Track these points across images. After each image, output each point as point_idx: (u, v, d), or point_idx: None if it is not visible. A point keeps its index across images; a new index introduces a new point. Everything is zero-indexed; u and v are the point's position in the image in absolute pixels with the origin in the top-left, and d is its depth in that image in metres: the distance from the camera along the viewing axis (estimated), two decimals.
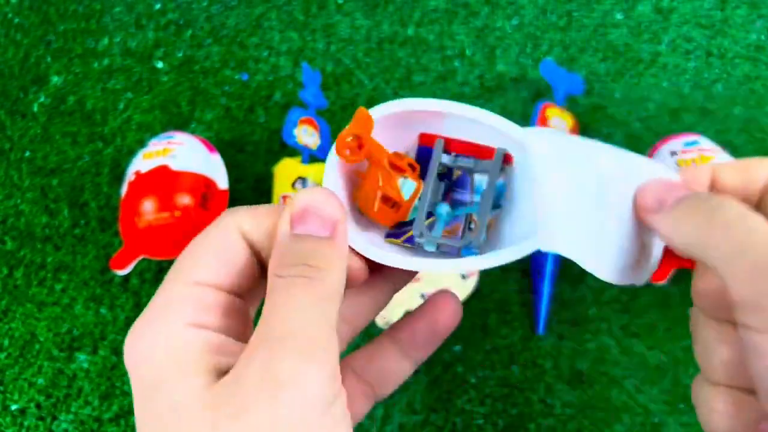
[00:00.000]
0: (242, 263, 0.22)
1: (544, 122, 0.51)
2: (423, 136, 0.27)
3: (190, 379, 0.19)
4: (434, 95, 0.58)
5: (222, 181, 0.51)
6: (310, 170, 0.51)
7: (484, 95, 0.58)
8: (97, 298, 0.51)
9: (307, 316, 0.19)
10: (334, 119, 0.57)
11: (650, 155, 0.49)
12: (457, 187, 0.28)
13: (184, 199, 0.48)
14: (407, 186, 0.26)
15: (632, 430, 0.43)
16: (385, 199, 0.26)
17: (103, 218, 0.54)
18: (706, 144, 0.48)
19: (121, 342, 0.49)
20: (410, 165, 0.26)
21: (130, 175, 0.49)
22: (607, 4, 0.62)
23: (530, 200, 0.26)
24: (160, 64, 0.62)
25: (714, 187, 0.24)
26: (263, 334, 0.19)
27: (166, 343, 0.20)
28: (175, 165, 0.49)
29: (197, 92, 0.60)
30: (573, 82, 0.54)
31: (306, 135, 0.52)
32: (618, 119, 0.56)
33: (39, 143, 0.58)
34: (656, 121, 0.55)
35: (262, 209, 0.23)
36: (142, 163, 0.49)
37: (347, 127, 0.26)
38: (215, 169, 0.51)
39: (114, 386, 0.47)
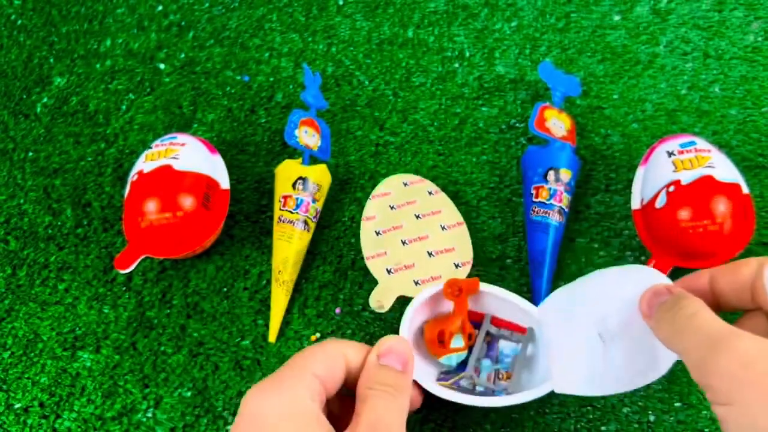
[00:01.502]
0: (339, 377, 0.34)
1: (542, 123, 0.51)
2: (471, 313, 0.44)
3: None
4: (433, 96, 0.58)
5: (224, 182, 0.51)
6: (310, 171, 0.51)
7: (483, 96, 0.58)
8: (99, 297, 0.51)
9: (390, 414, 0.32)
10: (334, 120, 0.58)
11: (647, 156, 0.50)
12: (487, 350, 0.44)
13: (187, 199, 0.48)
14: (457, 340, 0.42)
15: (628, 428, 0.44)
16: (440, 334, 0.41)
17: (105, 218, 0.55)
18: (702, 145, 0.48)
19: (124, 341, 0.49)
20: (469, 334, 0.43)
21: (132, 176, 0.50)
22: (605, 5, 0.62)
23: (544, 357, 0.40)
24: (162, 66, 0.62)
25: (712, 290, 0.32)
26: (363, 423, 0.31)
27: (291, 404, 0.30)
28: (177, 166, 0.49)
29: (199, 93, 0.60)
30: (571, 84, 0.54)
31: (307, 136, 0.52)
32: (615, 120, 0.56)
33: (42, 144, 0.59)
34: (653, 122, 0.56)
35: (358, 346, 0.36)
36: (144, 163, 0.50)
37: (460, 279, 0.43)
38: (217, 170, 0.51)
39: (117, 385, 0.48)
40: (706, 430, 0.43)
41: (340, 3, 0.65)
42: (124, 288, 0.51)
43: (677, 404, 0.44)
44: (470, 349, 0.43)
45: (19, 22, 0.66)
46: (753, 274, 0.30)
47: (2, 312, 0.51)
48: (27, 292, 0.52)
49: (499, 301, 0.43)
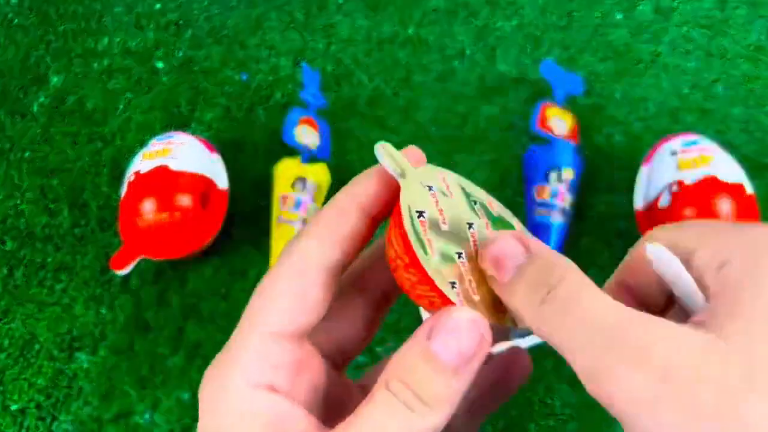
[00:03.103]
0: (320, 299, 0.21)
1: (543, 122, 0.51)
2: None
3: None
4: (434, 95, 0.58)
5: (222, 181, 0.51)
6: (309, 170, 0.51)
7: (484, 95, 0.58)
8: (97, 298, 0.51)
9: None
10: (334, 119, 0.57)
11: (650, 155, 0.49)
12: None
13: (184, 200, 0.47)
14: None
15: None
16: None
17: (103, 218, 0.54)
18: (705, 144, 0.48)
19: (122, 342, 0.49)
20: None
21: (129, 176, 0.49)
22: (608, 4, 0.62)
23: None
24: (160, 65, 0.62)
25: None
26: None
27: (231, 404, 0.19)
28: (175, 165, 0.48)
29: (197, 92, 0.60)
30: (573, 82, 0.54)
31: (306, 135, 0.52)
32: (618, 119, 0.56)
33: (39, 143, 0.58)
34: (656, 121, 0.55)
35: (328, 225, 0.21)
36: (142, 163, 0.49)
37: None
38: (215, 169, 0.51)
39: (114, 386, 0.47)
40: None
41: (340, 1, 0.64)
42: (121, 289, 0.51)
43: None
44: None
45: (16, 20, 0.66)
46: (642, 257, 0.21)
47: None
48: (24, 292, 0.52)
49: None
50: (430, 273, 0.19)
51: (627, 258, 0.22)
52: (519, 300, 0.19)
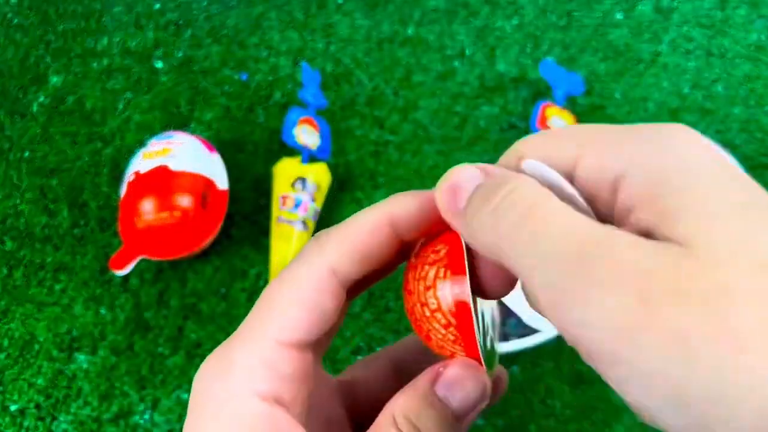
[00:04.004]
0: (331, 310, 0.20)
1: (543, 122, 0.51)
2: None
3: None
4: (434, 95, 0.58)
5: (221, 181, 0.51)
6: (309, 170, 0.51)
7: (484, 95, 0.58)
8: (96, 298, 0.51)
9: None
10: (333, 119, 0.57)
11: None
12: None
13: (184, 200, 0.47)
14: None
15: (632, 430, 0.43)
16: None
17: (102, 218, 0.54)
18: None
19: (121, 342, 0.49)
20: None
21: (129, 176, 0.49)
22: (608, 4, 0.62)
23: None
24: (159, 64, 0.62)
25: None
26: None
27: (233, 410, 0.18)
28: (175, 165, 0.48)
29: (197, 92, 0.60)
30: (573, 82, 0.54)
31: (306, 135, 0.52)
32: (618, 119, 0.56)
33: (38, 143, 0.58)
34: (656, 121, 0.55)
35: (353, 236, 0.20)
36: (141, 163, 0.49)
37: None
38: (215, 169, 0.51)
39: (113, 387, 0.47)
40: None
41: (340, 1, 0.64)
42: (121, 289, 0.51)
43: None
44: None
45: (16, 20, 0.65)
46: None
47: None
48: (23, 293, 0.51)
49: None
50: (478, 343, 0.19)
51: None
52: (470, 216, 0.18)
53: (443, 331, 0.19)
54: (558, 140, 0.18)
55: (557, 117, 0.52)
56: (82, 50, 0.63)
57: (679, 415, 0.13)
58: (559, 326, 0.15)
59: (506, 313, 0.45)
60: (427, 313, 0.19)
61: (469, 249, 0.19)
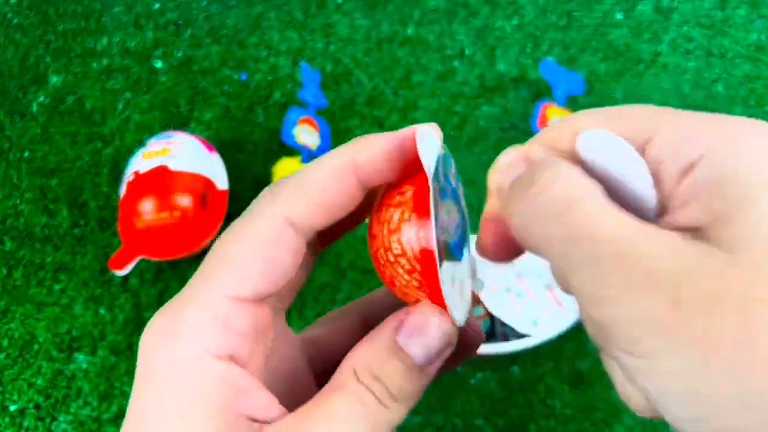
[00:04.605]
0: (288, 263, 0.18)
1: (544, 122, 0.51)
2: None
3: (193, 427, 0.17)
4: (434, 95, 0.58)
5: (221, 181, 0.51)
6: None
7: (484, 95, 0.58)
8: (96, 298, 0.51)
9: None
10: (333, 119, 0.57)
11: None
12: None
13: (183, 200, 0.47)
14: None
15: (633, 430, 0.43)
16: None
17: (102, 218, 0.54)
18: None
19: (121, 342, 0.48)
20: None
21: (129, 176, 0.49)
22: (608, 4, 0.62)
23: None
24: (159, 64, 0.62)
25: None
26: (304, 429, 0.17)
27: (184, 375, 0.17)
28: (174, 165, 0.48)
29: (196, 92, 0.60)
30: (573, 82, 0.54)
31: (305, 134, 0.52)
32: None
33: (38, 143, 0.58)
34: None
35: (311, 184, 0.18)
36: (141, 163, 0.49)
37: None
38: (214, 169, 0.51)
39: (113, 387, 0.47)
40: None
41: (339, 1, 0.64)
42: (120, 289, 0.51)
43: None
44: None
45: (15, 20, 0.65)
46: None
47: None
48: (23, 293, 0.51)
49: None
50: (443, 290, 0.18)
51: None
52: (508, 205, 0.17)
53: (407, 277, 0.19)
54: (628, 117, 0.17)
55: (558, 117, 0.52)
56: (82, 50, 0.63)
57: (689, 414, 0.14)
58: (587, 314, 0.15)
59: (501, 323, 0.45)
60: (391, 258, 0.18)
61: (434, 191, 0.18)
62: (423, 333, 0.18)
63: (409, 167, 0.19)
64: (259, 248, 0.18)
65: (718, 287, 0.13)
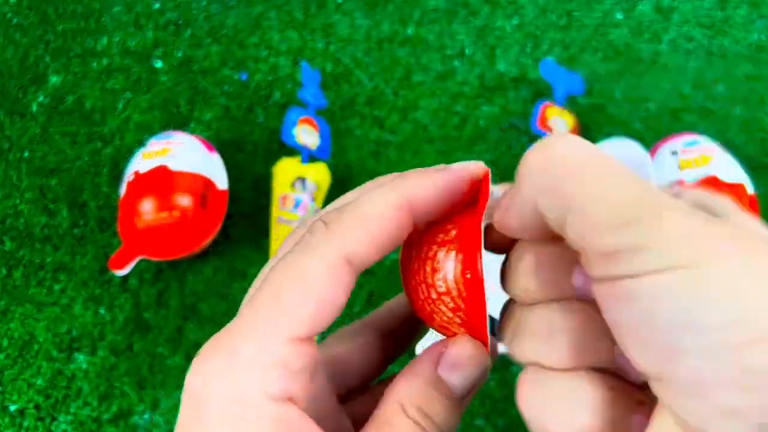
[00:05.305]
0: (342, 301, 0.18)
1: (544, 122, 0.51)
2: None
3: None
4: (434, 95, 0.58)
5: (221, 181, 0.51)
6: (309, 170, 0.51)
7: (484, 95, 0.58)
8: (96, 298, 0.50)
9: None
10: (333, 119, 0.57)
11: (651, 155, 0.49)
12: None
13: (183, 200, 0.47)
14: None
15: None
16: None
17: (102, 218, 0.54)
18: (706, 144, 0.48)
19: (120, 342, 0.48)
20: None
21: (129, 175, 0.49)
22: (608, 3, 0.62)
23: None
24: (159, 64, 0.62)
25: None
26: None
27: (243, 413, 0.17)
28: (174, 165, 0.48)
29: (196, 92, 0.60)
30: (573, 82, 0.54)
31: (305, 134, 0.52)
32: (618, 119, 0.55)
33: (38, 143, 0.58)
34: (657, 121, 0.55)
35: (368, 220, 0.18)
36: (141, 163, 0.49)
37: None
38: (214, 169, 0.51)
39: (113, 387, 0.47)
40: None
41: (339, 0, 0.64)
42: (120, 289, 0.51)
43: None
44: None
45: (15, 20, 0.65)
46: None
47: None
48: (23, 293, 0.51)
49: None
50: (487, 329, 0.19)
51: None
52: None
53: (450, 314, 0.19)
54: (553, 192, 0.17)
55: (557, 117, 0.52)
56: (82, 50, 0.63)
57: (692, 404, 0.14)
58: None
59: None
60: (434, 296, 0.18)
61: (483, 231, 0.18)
62: (463, 367, 0.19)
63: (456, 205, 0.19)
64: (316, 288, 0.17)
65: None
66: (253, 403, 0.17)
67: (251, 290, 0.20)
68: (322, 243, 0.18)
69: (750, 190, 0.46)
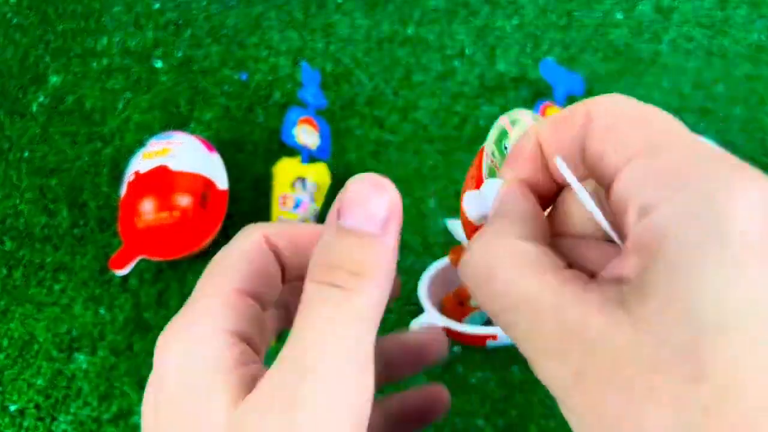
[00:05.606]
0: (269, 272, 0.21)
1: None
2: None
3: (218, 394, 0.17)
4: (434, 95, 0.58)
5: (221, 181, 0.51)
6: (309, 170, 0.51)
7: (484, 95, 0.58)
8: (96, 298, 0.51)
9: (339, 346, 0.17)
10: (333, 119, 0.57)
11: None
12: None
13: (183, 200, 0.47)
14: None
15: None
16: (458, 294, 0.43)
17: (102, 218, 0.54)
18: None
19: (120, 342, 0.48)
20: None
21: (129, 175, 0.49)
22: (608, 3, 0.62)
23: None
24: (159, 64, 0.62)
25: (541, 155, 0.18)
26: (293, 357, 0.17)
27: (204, 350, 0.18)
28: (174, 165, 0.48)
29: (196, 92, 0.60)
30: (573, 82, 0.54)
31: (305, 134, 0.52)
32: None
33: (38, 143, 0.58)
34: None
35: (289, 222, 0.22)
36: (141, 163, 0.49)
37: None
38: (214, 169, 0.51)
39: (113, 387, 0.47)
40: None
41: (339, 0, 0.64)
42: (120, 289, 0.51)
43: None
44: None
45: (15, 20, 0.65)
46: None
47: None
48: (23, 293, 0.51)
49: None
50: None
51: (519, 146, 0.19)
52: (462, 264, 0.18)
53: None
54: (615, 136, 0.16)
55: None
56: (82, 50, 0.63)
57: None
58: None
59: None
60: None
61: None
62: (363, 203, 0.18)
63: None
64: (246, 254, 0.20)
65: (612, 368, 0.13)
66: (206, 338, 0.18)
67: None
68: (248, 228, 0.21)
69: None
